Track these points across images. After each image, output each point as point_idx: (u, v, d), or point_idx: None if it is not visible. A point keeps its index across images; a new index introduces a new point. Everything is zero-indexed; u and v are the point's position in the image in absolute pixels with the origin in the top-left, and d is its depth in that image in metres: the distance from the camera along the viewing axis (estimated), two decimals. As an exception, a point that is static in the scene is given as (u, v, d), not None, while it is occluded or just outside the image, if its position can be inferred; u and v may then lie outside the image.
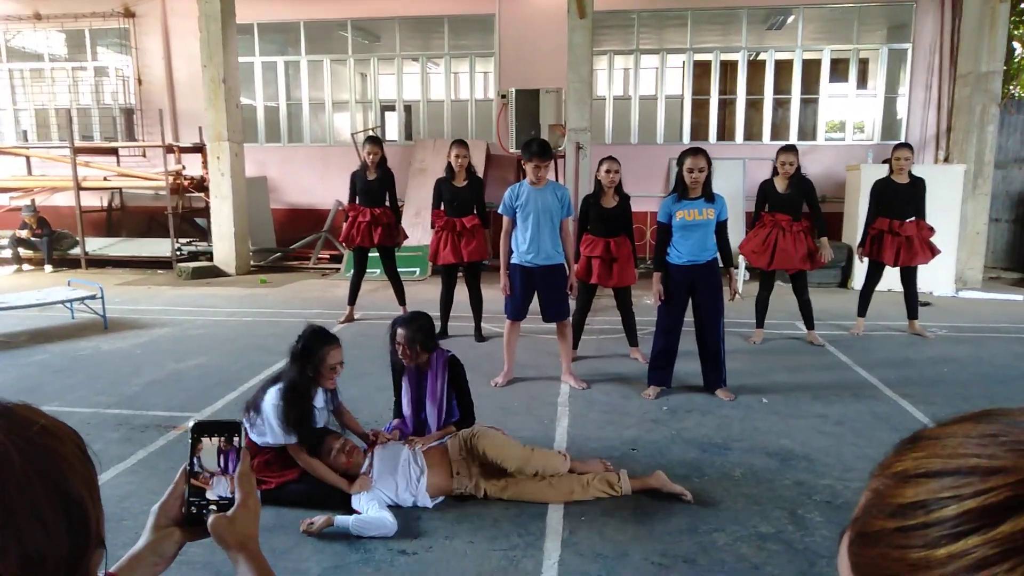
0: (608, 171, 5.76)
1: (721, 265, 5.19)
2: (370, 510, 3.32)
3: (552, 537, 3.27)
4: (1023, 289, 9.61)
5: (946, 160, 10.20)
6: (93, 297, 7.28)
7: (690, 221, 4.94)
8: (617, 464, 3.88)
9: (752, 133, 12.09)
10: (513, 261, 5.40)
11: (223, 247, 10.93)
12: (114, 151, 12.55)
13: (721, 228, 5.01)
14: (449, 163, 6.67)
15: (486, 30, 12.10)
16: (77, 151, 11.39)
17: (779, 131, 12.09)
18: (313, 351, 3.48)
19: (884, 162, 10.35)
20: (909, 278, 6.90)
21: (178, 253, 11.32)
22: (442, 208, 6.75)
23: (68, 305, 7.53)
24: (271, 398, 3.46)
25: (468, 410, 4.03)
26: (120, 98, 13.21)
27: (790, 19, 11.83)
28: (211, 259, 11.12)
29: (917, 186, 6.69)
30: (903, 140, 11.42)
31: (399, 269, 7.56)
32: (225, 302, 8.78)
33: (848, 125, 12.49)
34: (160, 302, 8.72)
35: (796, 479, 3.83)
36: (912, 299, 6.99)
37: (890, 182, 6.74)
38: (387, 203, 7.23)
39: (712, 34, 12.23)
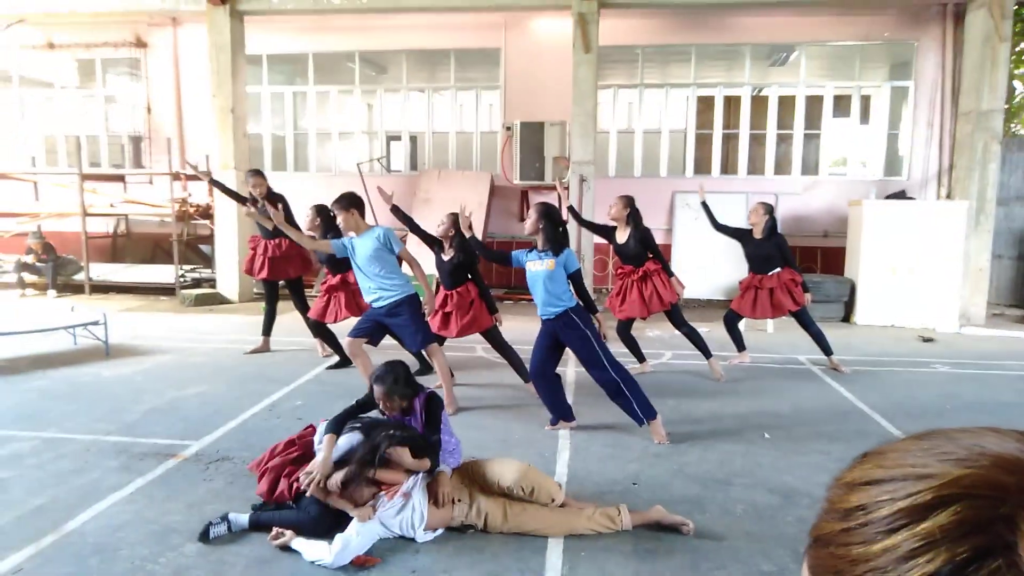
0: (439, 224, 5.70)
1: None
2: (354, 535, 3.28)
3: (552, 572, 3.22)
4: (1027, 326, 9.58)
5: (948, 197, 10.23)
6: (96, 323, 7.29)
7: (532, 271, 4.92)
8: (618, 498, 3.85)
9: (755, 167, 12.14)
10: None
11: (227, 274, 10.97)
12: (121, 178, 12.65)
13: (575, 277, 4.94)
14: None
15: (492, 63, 12.24)
16: (84, 178, 11.49)
17: (782, 166, 12.15)
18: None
19: (893, 196, 10.45)
20: (801, 320, 6.83)
21: (182, 280, 11.35)
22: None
23: (71, 331, 7.53)
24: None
25: (432, 445, 3.65)
26: (129, 126, 13.34)
27: (793, 56, 11.95)
28: (214, 286, 11.16)
29: (771, 241, 6.70)
30: (905, 176, 11.51)
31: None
32: (227, 329, 8.78)
33: (851, 161, 12.54)
34: (162, 329, 8.72)
35: (799, 516, 3.78)
36: (817, 338, 6.84)
37: (750, 236, 6.82)
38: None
39: (716, 70, 12.35)
